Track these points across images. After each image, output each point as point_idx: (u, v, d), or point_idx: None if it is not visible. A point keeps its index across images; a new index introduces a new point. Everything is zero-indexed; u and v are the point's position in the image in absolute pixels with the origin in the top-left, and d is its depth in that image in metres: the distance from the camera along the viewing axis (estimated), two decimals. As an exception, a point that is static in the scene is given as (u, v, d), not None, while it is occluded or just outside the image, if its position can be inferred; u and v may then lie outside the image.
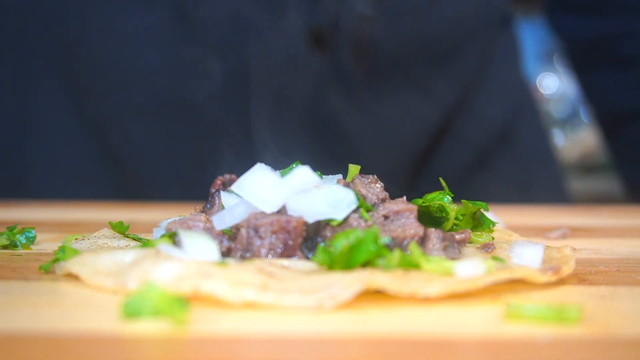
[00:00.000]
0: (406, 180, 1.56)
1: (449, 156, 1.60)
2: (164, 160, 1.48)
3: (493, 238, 0.85)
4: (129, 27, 1.42)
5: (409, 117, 1.54)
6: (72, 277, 0.72)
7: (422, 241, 0.75)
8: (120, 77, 1.43)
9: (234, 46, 1.40)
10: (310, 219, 0.74)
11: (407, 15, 1.48)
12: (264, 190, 0.76)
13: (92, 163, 1.48)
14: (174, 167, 1.49)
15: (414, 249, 0.70)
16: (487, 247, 0.79)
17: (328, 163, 1.44)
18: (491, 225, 0.86)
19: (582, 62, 1.74)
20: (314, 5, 1.39)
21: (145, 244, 0.79)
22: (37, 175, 1.50)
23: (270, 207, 0.75)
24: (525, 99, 1.74)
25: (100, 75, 1.44)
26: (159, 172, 1.48)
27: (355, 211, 0.76)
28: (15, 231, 0.89)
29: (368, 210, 0.76)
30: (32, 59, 1.47)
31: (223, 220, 0.76)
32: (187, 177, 1.48)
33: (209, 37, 1.41)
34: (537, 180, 1.69)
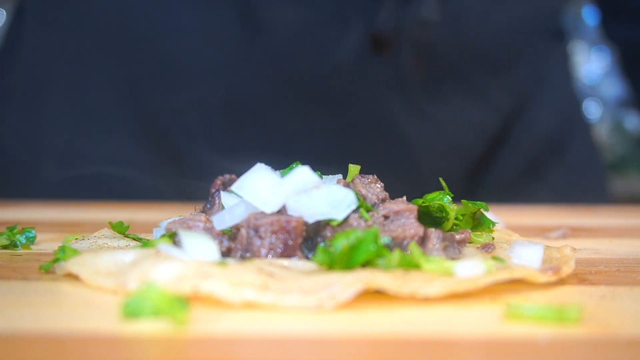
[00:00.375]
0: (462, 186, 1.57)
1: (503, 164, 1.61)
2: (223, 158, 1.48)
3: (493, 238, 0.85)
4: (194, 25, 1.44)
5: (465, 122, 1.55)
6: (72, 277, 0.72)
7: (422, 241, 0.75)
8: (183, 74, 1.45)
9: (295, 48, 1.42)
10: (310, 219, 0.74)
11: (468, 21, 1.49)
12: (263, 190, 0.76)
13: (149, 160, 1.49)
14: (232, 165, 1.51)
15: (414, 249, 0.70)
16: (487, 247, 0.79)
17: (384, 166, 1.48)
18: (491, 225, 0.86)
19: (636, 68, 1.75)
20: (376, 10, 1.41)
21: (145, 244, 0.79)
22: (94, 172, 1.50)
23: (270, 207, 0.75)
24: (577, 111, 1.74)
25: (162, 72, 1.46)
26: (218, 169, 1.49)
27: (355, 211, 0.76)
28: (15, 231, 0.89)
29: (368, 210, 0.76)
30: (93, 55, 1.49)
31: (223, 220, 0.76)
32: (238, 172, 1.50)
33: (271, 38, 1.42)
34: (585, 193, 1.68)
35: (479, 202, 0.85)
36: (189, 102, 1.46)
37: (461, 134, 1.56)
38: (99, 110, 1.50)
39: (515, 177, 1.63)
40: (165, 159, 1.49)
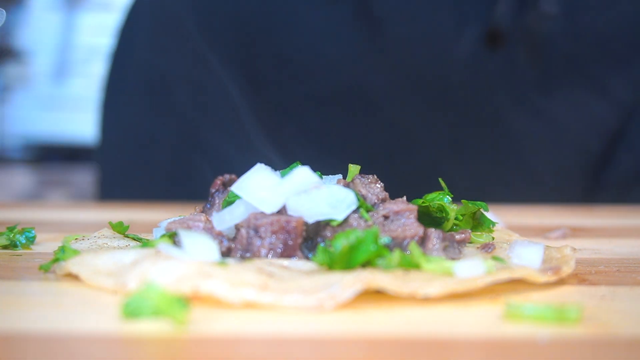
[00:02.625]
0: (580, 185, 1.55)
1: (623, 162, 1.57)
2: (339, 151, 1.52)
3: (493, 238, 0.85)
4: (312, 22, 1.48)
5: (583, 117, 1.52)
6: (72, 277, 0.72)
7: (422, 241, 0.75)
8: (301, 69, 1.49)
9: (412, 44, 1.44)
10: (311, 219, 0.74)
11: (586, 13, 1.47)
12: (263, 190, 0.75)
13: (264, 154, 1.51)
14: (346, 157, 1.54)
15: (413, 249, 0.70)
16: (487, 247, 0.79)
17: (489, 161, 1.48)
18: (491, 226, 0.86)
19: None
20: (494, 5, 1.42)
21: (145, 244, 0.79)
22: (212, 167, 1.52)
23: (269, 207, 0.75)
24: None
25: (281, 67, 1.49)
26: (331, 163, 1.53)
27: (355, 211, 0.76)
28: (15, 231, 0.89)
29: (368, 210, 0.76)
30: (214, 51, 1.51)
31: (223, 220, 0.76)
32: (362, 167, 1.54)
33: (389, 34, 1.45)
34: None
35: (479, 202, 0.85)
36: (306, 96, 1.50)
37: (578, 128, 1.53)
38: (218, 105, 1.52)
39: (634, 176, 1.58)
40: (278, 154, 1.52)
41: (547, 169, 1.52)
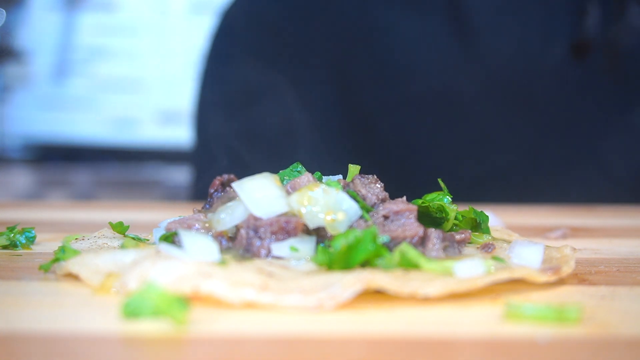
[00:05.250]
0: None
1: None
2: (429, 150, 1.58)
3: (493, 238, 0.85)
4: (407, 30, 1.55)
5: None
6: (72, 277, 0.72)
7: (422, 241, 0.75)
8: (395, 73, 1.55)
9: (500, 53, 1.52)
10: (312, 225, 0.73)
11: None
12: (262, 198, 0.75)
13: (354, 153, 1.57)
14: (435, 158, 1.59)
15: (407, 249, 0.70)
16: (487, 247, 0.79)
17: (568, 167, 1.52)
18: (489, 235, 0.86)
19: None
20: (582, 18, 1.48)
21: (127, 242, 0.79)
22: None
23: (264, 212, 0.74)
24: None
25: (376, 72, 1.56)
26: (424, 161, 1.57)
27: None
28: (15, 231, 0.89)
29: (368, 211, 0.76)
30: (309, 55, 1.58)
31: (223, 220, 0.76)
32: (449, 168, 1.58)
33: (478, 44, 1.52)
34: None
35: (480, 213, 0.85)
36: (400, 99, 1.56)
37: None
38: (315, 107, 1.57)
39: None
40: (368, 156, 1.57)
41: (626, 175, 1.56)
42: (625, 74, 1.52)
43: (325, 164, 1.49)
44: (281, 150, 1.56)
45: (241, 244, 0.73)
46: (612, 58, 1.50)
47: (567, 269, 0.74)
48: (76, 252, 0.75)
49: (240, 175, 0.79)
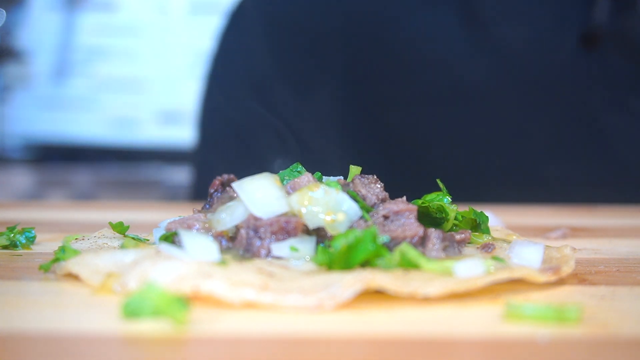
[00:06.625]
0: None
1: None
2: (443, 143, 1.57)
3: (493, 238, 0.85)
4: (419, 22, 1.54)
5: None
6: (72, 277, 0.72)
7: (422, 241, 0.75)
8: (406, 66, 1.55)
9: (511, 45, 1.51)
10: (312, 225, 0.73)
11: None
12: (263, 198, 0.75)
13: (364, 148, 1.57)
14: (444, 150, 1.58)
15: (407, 249, 0.70)
16: (487, 247, 0.79)
17: (583, 158, 1.51)
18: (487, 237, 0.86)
19: None
20: (591, 8, 1.47)
21: (127, 242, 0.79)
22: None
23: (264, 212, 0.74)
24: None
25: (388, 64, 1.55)
26: (437, 154, 1.58)
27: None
28: (15, 231, 0.89)
29: (368, 211, 0.76)
30: (320, 50, 1.57)
31: (223, 220, 0.76)
32: (461, 161, 1.58)
33: (490, 36, 1.51)
34: None
35: (480, 213, 0.85)
36: (412, 92, 1.55)
37: None
38: (326, 102, 1.57)
39: None
40: (380, 151, 1.57)
41: (636, 168, 1.57)
42: (637, 65, 1.52)
43: (334, 160, 1.50)
44: (289, 147, 1.55)
45: (241, 244, 0.73)
46: (625, 49, 1.50)
47: (567, 269, 0.74)
48: (76, 252, 0.75)
49: (241, 175, 0.79)
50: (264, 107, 1.56)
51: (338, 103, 1.57)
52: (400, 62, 1.55)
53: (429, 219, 0.83)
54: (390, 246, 0.73)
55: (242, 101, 1.59)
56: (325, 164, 1.46)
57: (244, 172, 1.60)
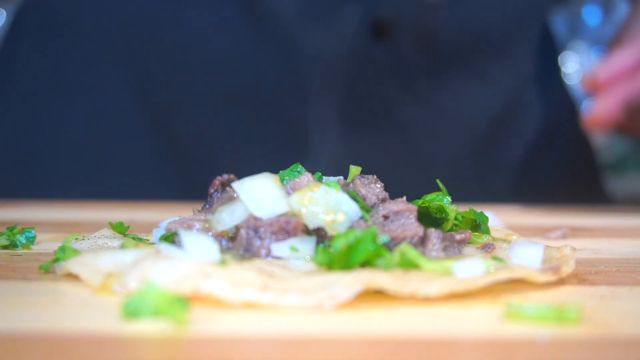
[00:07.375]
0: (468, 170, 1.58)
1: (506, 148, 1.62)
2: (231, 152, 1.51)
3: (493, 238, 0.85)
4: (199, 20, 1.46)
5: (468, 104, 1.56)
6: (72, 277, 0.72)
7: (422, 241, 0.75)
8: (189, 68, 1.48)
9: (297, 38, 1.44)
10: (312, 225, 0.73)
11: (468, 2, 1.50)
12: (263, 198, 0.75)
13: (157, 159, 1.51)
14: (240, 158, 1.52)
15: (407, 249, 0.70)
16: (487, 247, 0.79)
17: (384, 154, 1.48)
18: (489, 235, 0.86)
19: None
20: None
21: (127, 242, 0.79)
22: (106, 171, 1.52)
23: (264, 212, 0.74)
24: (572, 109, 1.74)
25: (168, 67, 1.48)
26: (226, 163, 1.50)
27: (355, 211, 0.76)
28: (15, 231, 0.89)
29: (368, 211, 0.76)
30: (101, 56, 1.51)
31: (223, 220, 0.76)
32: (254, 167, 1.53)
33: (274, 30, 1.44)
34: (578, 182, 1.69)
35: (480, 213, 0.85)
36: (196, 96, 1.48)
37: (464, 116, 1.57)
38: (110, 111, 1.51)
39: (516, 164, 1.63)
40: (174, 157, 1.51)
41: (439, 156, 1.54)
42: (429, 53, 1.49)
43: (131, 171, 1.46)
44: (80, 156, 1.51)
45: (241, 244, 0.73)
46: (416, 38, 1.46)
47: (567, 269, 0.74)
48: (76, 252, 0.75)
49: (241, 175, 0.79)
50: (52, 114, 1.52)
51: (125, 110, 1.50)
52: (184, 66, 1.47)
53: (429, 219, 0.83)
54: (390, 246, 0.73)
55: (27, 107, 1.54)
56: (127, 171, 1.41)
57: (45, 177, 1.55)
